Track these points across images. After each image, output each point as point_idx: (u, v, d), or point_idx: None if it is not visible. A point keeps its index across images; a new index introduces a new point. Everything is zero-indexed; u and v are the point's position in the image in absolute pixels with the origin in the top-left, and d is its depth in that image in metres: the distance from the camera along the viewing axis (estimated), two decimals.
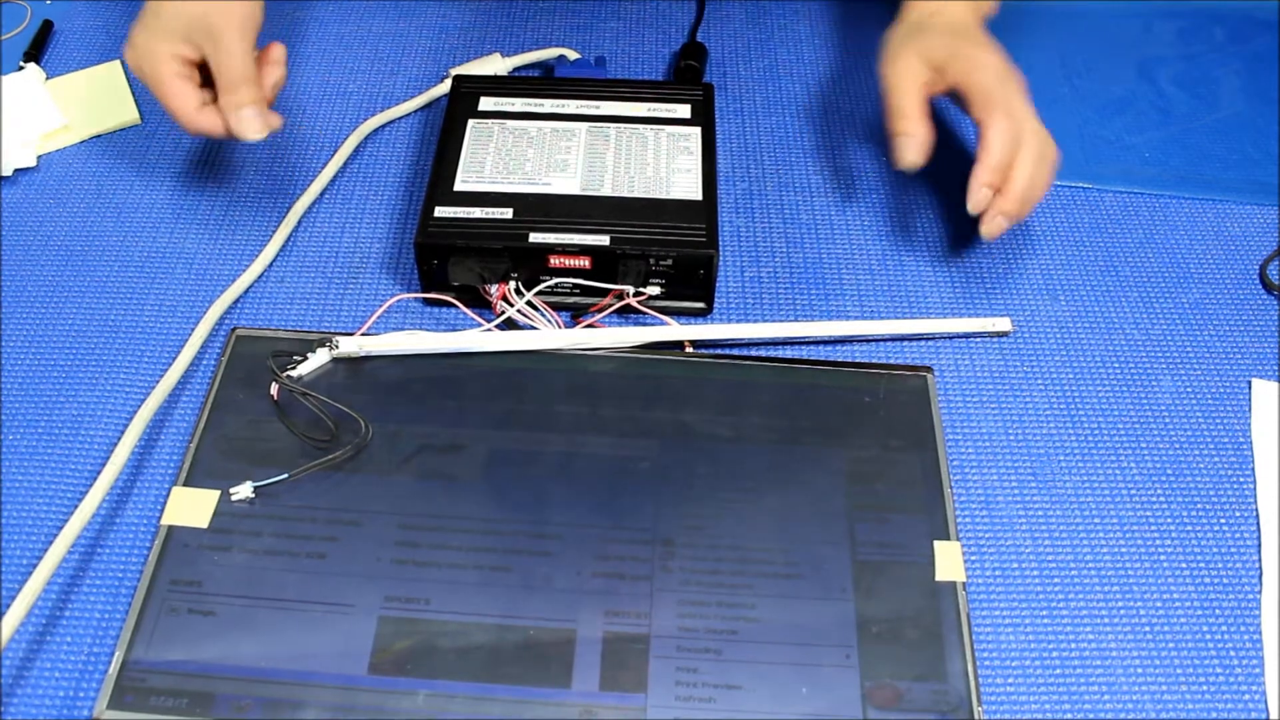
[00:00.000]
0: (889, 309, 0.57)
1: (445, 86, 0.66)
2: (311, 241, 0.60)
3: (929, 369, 0.54)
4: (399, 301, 0.57)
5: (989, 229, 0.55)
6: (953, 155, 0.65)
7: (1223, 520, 0.50)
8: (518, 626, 0.45)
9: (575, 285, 0.55)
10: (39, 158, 0.63)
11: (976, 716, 0.43)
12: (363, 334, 0.53)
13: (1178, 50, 0.72)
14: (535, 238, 0.53)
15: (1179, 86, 0.69)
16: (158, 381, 0.52)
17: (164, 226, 0.60)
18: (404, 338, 0.53)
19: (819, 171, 0.64)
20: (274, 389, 0.51)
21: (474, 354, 0.53)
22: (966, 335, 0.56)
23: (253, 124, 0.54)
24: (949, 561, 0.47)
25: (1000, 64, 0.56)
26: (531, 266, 0.54)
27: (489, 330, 0.54)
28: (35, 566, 0.44)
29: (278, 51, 0.57)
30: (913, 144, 0.56)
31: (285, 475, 0.48)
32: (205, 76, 0.56)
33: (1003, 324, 0.56)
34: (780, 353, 0.55)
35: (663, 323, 0.55)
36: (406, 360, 0.53)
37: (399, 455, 0.50)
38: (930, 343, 0.56)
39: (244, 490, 0.48)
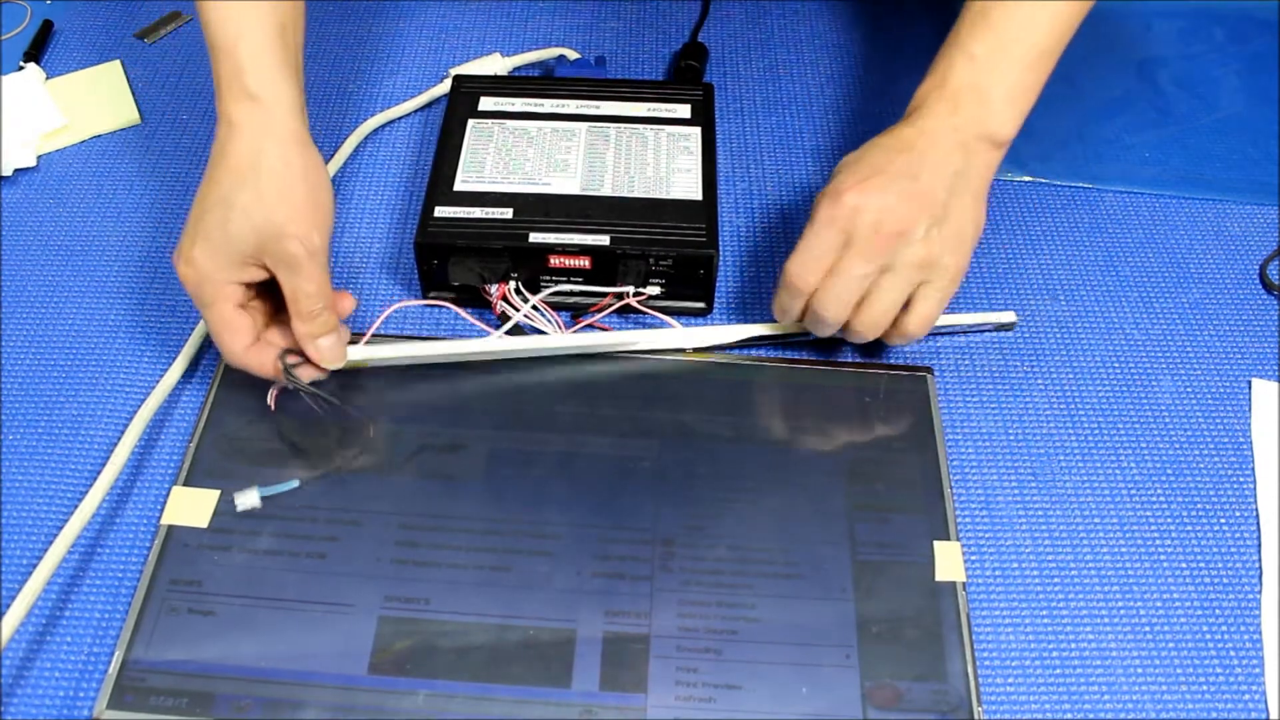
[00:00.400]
0: None
1: (445, 86, 0.66)
2: None
3: (929, 369, 0.54)
4: (398, 301, 0.57)
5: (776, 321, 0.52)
6: None
7: (1223, 520, 0.50)
8: (518, 626, 0.45)
9: (575, 285, 0.55)
10: (39, 158, 0.63)
11: (976, 716, 0.43)
12: (366, 342, 0.52)
13: (1178, 50, 0.72)
14: (535, 238, 0.53)
15: (1179, 86, 0.69)
16: (158, 381, 0.52)
17: (164, 226, 0.60)
18: (406, 347, 0.52)
19: (819, 171, 0.64)
20: (270, 394, 0.50)
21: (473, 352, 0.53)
22: (972, 329, 0.56)
23: (333, 352, 0.49)
24: (949, 561, 0.47)
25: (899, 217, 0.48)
26: (531, 266, 0.54)
27: (494, 336, 0.53)
28: (35, 566, 0.45)
29: (349, 302, 0.51)
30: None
31: (296, 484, 0.48)
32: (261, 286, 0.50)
33: (1007, 317, 0.56)
34: (780, 353, 0.55)
35: (663, 323, 0.55)
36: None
37: (399, 455, 0.50)
38: (930, 343, 0.56)
39: (250, 499, 0.47)
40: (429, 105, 0.67)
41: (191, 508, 0.48)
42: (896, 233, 0.48)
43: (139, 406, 0.51)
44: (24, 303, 0.57)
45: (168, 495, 0.48)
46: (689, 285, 0.55)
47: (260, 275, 0.48)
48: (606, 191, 0.56)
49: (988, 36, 0.50)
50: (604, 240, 0.53)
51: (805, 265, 0.49)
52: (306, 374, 0.50)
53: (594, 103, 0.60)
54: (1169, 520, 0.50)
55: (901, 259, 0.48)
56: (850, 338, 0.52)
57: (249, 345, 0.48)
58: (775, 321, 0.54)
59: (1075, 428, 0.53)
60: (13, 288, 0.57)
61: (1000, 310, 0.57)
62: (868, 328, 0.50)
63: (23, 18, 0.72)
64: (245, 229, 0.46)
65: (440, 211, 0.54)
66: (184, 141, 0.65)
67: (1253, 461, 0.52)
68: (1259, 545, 0.49)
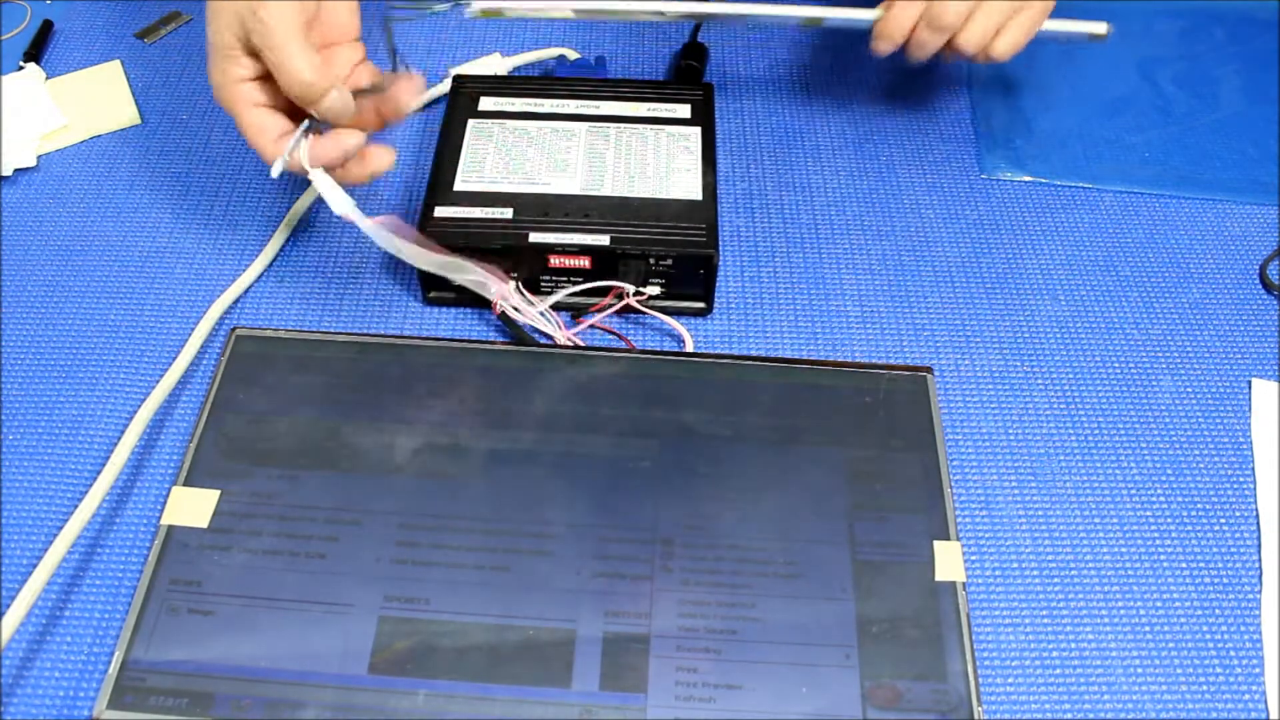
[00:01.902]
0: (889, 309, 0.57)
1: (445, 86, 0.66)
2: (311, 241, 0.60)
3: (929, 369, 0.54)
4: (399, 301, 0.57)
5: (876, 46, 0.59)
6: (948, 157, 0.65)
7: (1223, 520, 0.50)
8: (518, 626, 0.45)
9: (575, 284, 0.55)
10: (39, 158, 0.63)
11: (976, 716, 0.43)
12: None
13: (1178, 50, 0.72)
14: (535, 238, 0.53)
15: (1179, 86, 0.69)
16: (158, 381, 0.52)
17: (164, 226, 0.60)
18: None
19: (819, 172, 0.64)
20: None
21: (473, 352, 0.53)
22: (1059, 35, 0.59)
23: (338, 102, 0.47)
24: (949, 561, 0.47)
25: None
26: (531, 266, 0.54)
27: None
28: (35, 566, 0.45)
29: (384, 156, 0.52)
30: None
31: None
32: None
33: (1099, 27, 0.58)
34: (780, 352, 0.55)
35: (663, 323, 0.55)
36: (406, 357, 0.53)
37: (399, 455, 0.50)
38: (930, 343, 0.56)
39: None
40: (429, 105, 0.67)
41: (191, 508, 0.48)
42: None
43: (139, 406, 0.51)
44: (24, 303, 0.57)
45: (168, 495, 0.48)
46: (689, 285, 0.55)
47: (256, 63, 0.48)
48: (606, 191, 0.56)
49: None
50: (604, 240, 0.53)
51: None
52: (340, 105, 0.48)
53: (594, 103, 0.60)
54: (1169, 520, 0.50)
55: None
56: (946, 53, 0.57)
57: (279, 136, 0.49)
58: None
59: (1075, 428, 0.53)
60: (13, 288, 0.57)
61: (995, 310, 0.57)
62: (972, 42, 0.56)
63: (23, 18, 0.72)
64: (230, 21, 0.47)
65: (440, 211, 0.54)
66: (184, 141, 0.65)
67: (1253, 461, 0.52)
68: (1259, 545, 0.49)
